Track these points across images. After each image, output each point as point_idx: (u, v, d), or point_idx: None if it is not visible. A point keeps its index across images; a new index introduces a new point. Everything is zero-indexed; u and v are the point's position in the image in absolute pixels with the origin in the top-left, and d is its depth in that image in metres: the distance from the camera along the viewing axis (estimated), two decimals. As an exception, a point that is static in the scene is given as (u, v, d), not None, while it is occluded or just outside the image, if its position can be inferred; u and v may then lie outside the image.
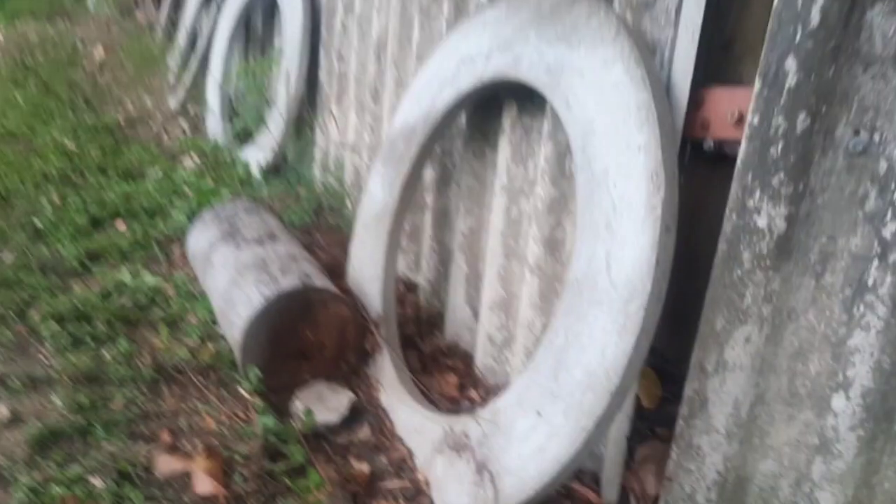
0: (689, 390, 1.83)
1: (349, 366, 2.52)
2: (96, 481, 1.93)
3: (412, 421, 2.25)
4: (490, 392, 2.53)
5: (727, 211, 1.72)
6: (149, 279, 3.02)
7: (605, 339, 1.68)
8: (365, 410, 2.37)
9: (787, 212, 1.64)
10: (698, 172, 2.02)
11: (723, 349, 1.75)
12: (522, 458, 1.79)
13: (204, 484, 1.96)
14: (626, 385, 1.65)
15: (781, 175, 1.63)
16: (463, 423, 2.03)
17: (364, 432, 2.30)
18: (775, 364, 1.75)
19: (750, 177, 1.67)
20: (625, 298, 1.66)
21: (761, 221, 1.67)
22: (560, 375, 1.77)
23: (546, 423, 1.76)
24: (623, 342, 1.64)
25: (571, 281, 1.83)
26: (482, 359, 2.62)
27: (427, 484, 2.07)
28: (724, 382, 1.77)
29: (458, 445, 2.01)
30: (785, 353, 1.74)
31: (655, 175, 1.68)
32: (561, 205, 2.20)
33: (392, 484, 2.11)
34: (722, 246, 1.73)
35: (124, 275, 3.05)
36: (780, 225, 1.65)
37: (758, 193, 1.66)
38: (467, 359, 2.74)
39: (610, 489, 2.06)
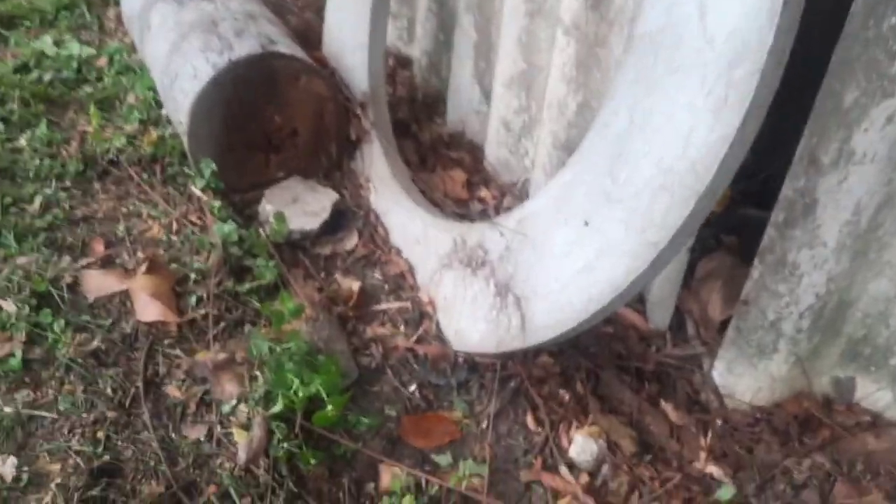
0: (788, 190, 1.36)
1: (329, 159, 2.02)
2: (7, 305, 1.49)
3: (412, 228, 1.79)
4: (505, 192, 2.06)
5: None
6: (76, 49, 2.42)
7: (692, 120, 1.17)
8: (352, 214, 1.91)
9: None
10: None
11: (851, 133, 1.26)
12: (561, 279, 1.36)
13: (149, 308, 1.53)
14: (720, 186, 1.16)
15: None
16: (478, 233, 1.58)
17: (351, 242, 1.85)
18: (919, 154, 1.26)
19: None
20: (728, 60, 1.13)
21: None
22: (620, 171, 1.28)
23: (597, 236, 1.30)
24: (721, 124, 1.13)
25: (640, 38, 1.28)
26: (494, 150, 2.13)
27: (432, 306, 1.66)
28: (845, 179, 1.29)
29: (473, 260, 1.57)
30: (935, 138, 1.25)
31: None
32: (614, -66, 1.58)
33: (389, 305, 1.69)
34: (869, -20, 1.18)
35: (46, 44, 2.44)
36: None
37: None
38: (475, 151, 2.24)
39: (660, 312, 1.65)
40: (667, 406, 1.53)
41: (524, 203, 1.52)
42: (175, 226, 1.75)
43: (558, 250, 1.37)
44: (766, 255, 1.41)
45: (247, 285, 1.61)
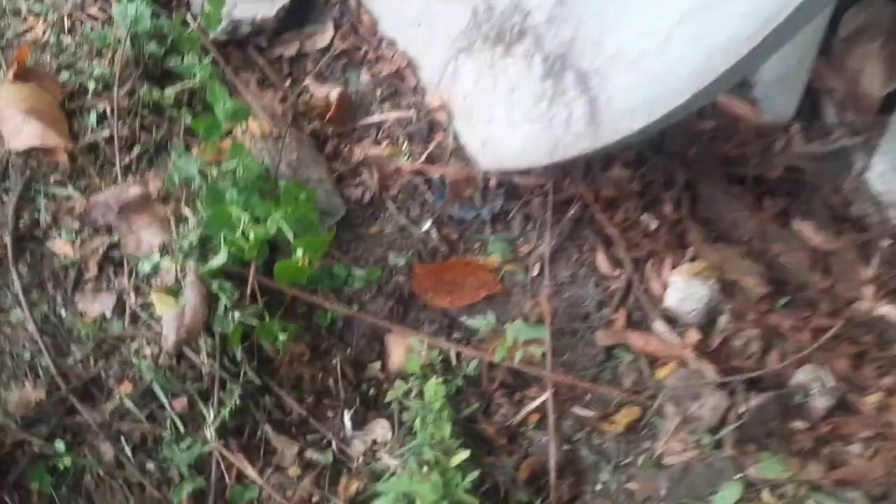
0: None
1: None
2: None
3: (408, 6, 1.24)
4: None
5: None
6: None
7: None
8: (322, -2, 1.36)
9: None
10: None
11: None
12: (657, 32, 0.84)
13: (23, 131, 1.02)
14: None
15: None
16: (511, -14, 1.04)
17: (325, 37, 1.31)
18: None
19: None
20: None
21: None
22: None
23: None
24: None
25: None
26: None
27: (446, 111, 1.15)
28: None
29: (506, 32, 1.04)
30: None
31: None
32: None
33: (384, 116, 1.18)
34: None
35: None
36: None
37: None
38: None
39: (783, 94, 1.14)
40: (803, 226, 1.05)
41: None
42: (67, 23, 1.20)
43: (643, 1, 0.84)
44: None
45: (169, 90, 1.09)
